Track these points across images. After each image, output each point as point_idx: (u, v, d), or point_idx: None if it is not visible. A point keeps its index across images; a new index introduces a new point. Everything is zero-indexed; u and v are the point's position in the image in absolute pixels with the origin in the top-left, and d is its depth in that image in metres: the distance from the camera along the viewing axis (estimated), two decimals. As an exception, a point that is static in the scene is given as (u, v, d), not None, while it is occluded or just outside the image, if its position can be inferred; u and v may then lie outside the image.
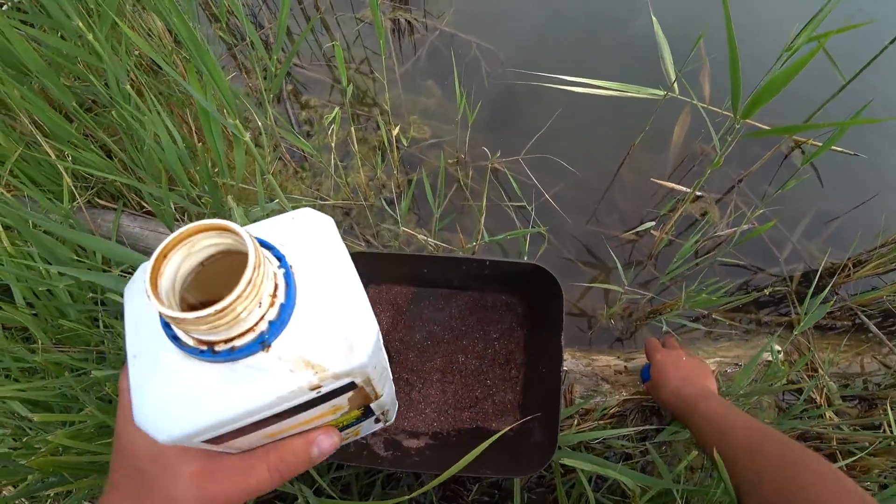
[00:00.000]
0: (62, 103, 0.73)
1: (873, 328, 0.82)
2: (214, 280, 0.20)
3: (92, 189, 0.87)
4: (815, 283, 0.73)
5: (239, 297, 0.17)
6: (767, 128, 0.84)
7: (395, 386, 0.68)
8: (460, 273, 0.64)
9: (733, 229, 0.87)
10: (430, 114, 0.99)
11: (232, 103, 0.47)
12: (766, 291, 0.78)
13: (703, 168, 0.98)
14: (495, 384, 0.69)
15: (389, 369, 0.27)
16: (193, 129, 0.84)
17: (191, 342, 0.19)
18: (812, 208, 0.96)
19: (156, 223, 0.86)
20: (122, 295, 0.71)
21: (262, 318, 0.19)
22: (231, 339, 0.18)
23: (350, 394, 0.23)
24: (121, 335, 0.69)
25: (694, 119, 1.02)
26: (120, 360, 0.68)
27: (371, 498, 0.64)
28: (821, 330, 0.85)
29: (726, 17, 0.64)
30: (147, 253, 0.84)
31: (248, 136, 0.49)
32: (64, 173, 0.75)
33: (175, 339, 0.19)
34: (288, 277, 0.20)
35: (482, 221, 0.68)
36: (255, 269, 0.17)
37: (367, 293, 0.69)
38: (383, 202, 0.85)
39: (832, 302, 0.74)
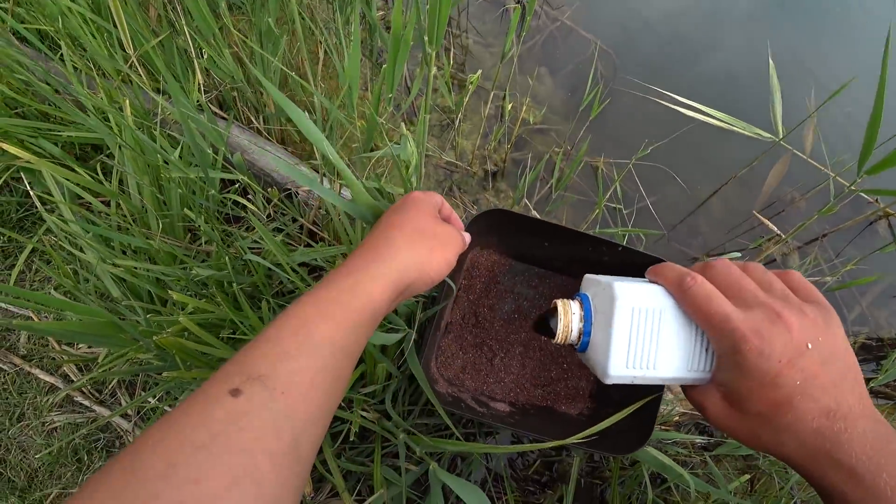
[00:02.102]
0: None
1: (927, 404, 0.84)
2: None
3: (209, 93, 0.88)
4: None
5: None
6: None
7: (479, 350, 0.69)
8: (581, 252, 0.65)
9: (813, 279, 0.88)
10: (539, 100, 1.00)
11: (442, 34, 0.47)
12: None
13: (790, 214, 0.99)
14: (571, 369, 0.70)
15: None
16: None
17: None
18: (887, 279, 0.98)
19: (264, 141, 0.87)
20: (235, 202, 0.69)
21: None
22: None
23: None
24: (233, 236, 0.71)
25: (789, 168, 1.03)
26: (221, 263, 0.69)
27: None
28: (875, 396, 0.87)
29: (882, 72, 0.64)
30: (251, 165, 0.84)
31: (434, 69, 0.50)
32: (198, 70, 0.76)
33: None
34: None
35: (600, 210, 0.70)
36: None
37: (470, 255, 0.71)
38: (485, 172, 0.86)
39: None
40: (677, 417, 0.73)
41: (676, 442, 0.72)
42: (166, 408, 0.80)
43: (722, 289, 0.31)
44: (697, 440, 0.62)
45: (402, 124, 0.49)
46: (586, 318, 0.36)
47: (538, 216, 0.81)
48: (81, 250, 0.67)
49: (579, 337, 0.37)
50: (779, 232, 0.91)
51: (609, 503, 0.69)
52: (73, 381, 0.86)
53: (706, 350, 0.33)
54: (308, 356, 0.27)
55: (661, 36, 1.17)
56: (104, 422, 0.83)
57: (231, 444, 0.21)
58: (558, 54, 1.08)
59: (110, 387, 0.85)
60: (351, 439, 0.70)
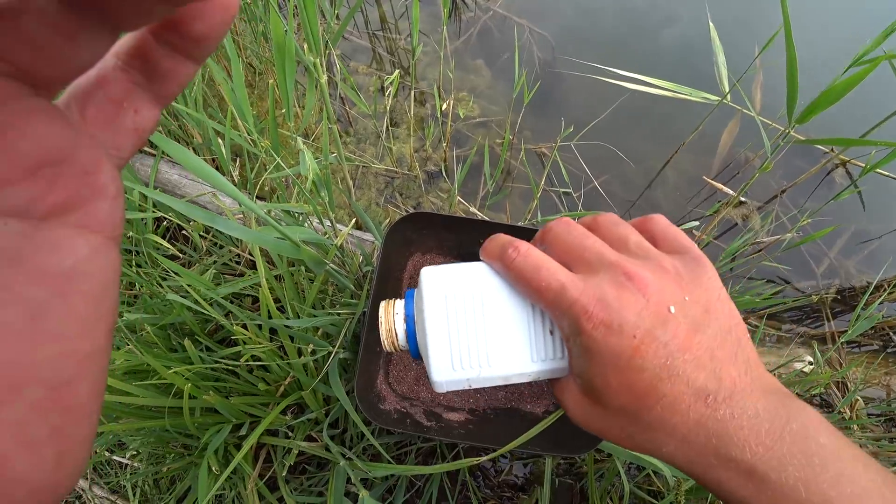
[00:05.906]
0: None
1: (907, 350, 0.82)
2: None
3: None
4: (866, 296, 0.72)
5: None
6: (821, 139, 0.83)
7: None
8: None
9: (775, 237, 0.86)
10: (478, 93, 0.97)
11: (318, 40, 0.45)
12: (815, 297, 0.77)
13: (746, 176, 0.97)
14: (533, 365, 0.68)
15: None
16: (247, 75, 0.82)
17: None
18: (850, 227, 0.96)
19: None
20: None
21: None
22: None
23: None
24: (153, 277, 0.67)
25: (742, 127, 1.01)
26: (147, 306, 0.66)
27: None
28: (850, 346, 0.84)
29: (784, 18, 0.63)
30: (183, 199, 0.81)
31: (324, 77, 0.47)
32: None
33: None
34: None
35: (537, 200, 0.67)
36: None
37: (411, 262, 0.68)
38: (427, 175, 0.83)
39: (881, 315, 0.73)
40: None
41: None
42: (119, 459, 0.76)
43: (560, 254, 0.25)
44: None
45: (299, 139, 0.46)
46: (408, 316, 0.29)
47: (457, 214, 0.78)
48: None
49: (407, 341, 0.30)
50: (732, 192, 0.89)
51: (589, 499, 0.66)
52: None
53: (552, 333, 0.26)
54: None
55: (596, 12, 1.15)
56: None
57: None
58: (494, 44, 1.05)
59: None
60: (303, 468, 0.67)
